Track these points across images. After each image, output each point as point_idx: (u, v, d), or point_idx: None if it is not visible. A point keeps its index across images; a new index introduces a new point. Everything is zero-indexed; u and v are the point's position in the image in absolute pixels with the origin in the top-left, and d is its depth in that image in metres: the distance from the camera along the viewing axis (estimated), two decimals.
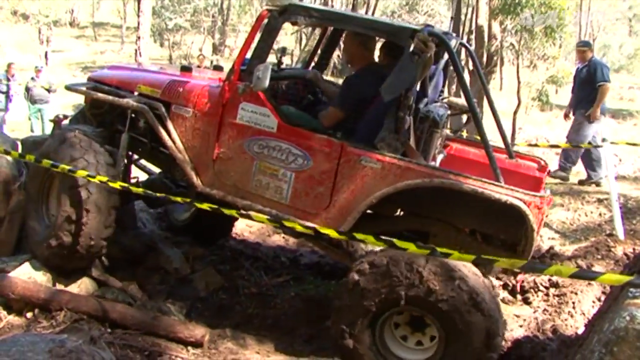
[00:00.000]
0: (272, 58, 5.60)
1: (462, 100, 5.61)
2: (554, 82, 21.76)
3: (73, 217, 4.97)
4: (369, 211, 4.62)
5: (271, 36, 4.79)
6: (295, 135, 4.66)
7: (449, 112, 5.36)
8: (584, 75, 9.45)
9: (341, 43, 5.87)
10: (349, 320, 4.24)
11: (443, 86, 5.67)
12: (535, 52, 17.54)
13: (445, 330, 4.11)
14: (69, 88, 5.66)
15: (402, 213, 5.04)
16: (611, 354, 3.23)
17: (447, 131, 5.77)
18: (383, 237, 3.93)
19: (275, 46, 5.89)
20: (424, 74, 4.53)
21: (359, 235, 4.02)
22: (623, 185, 9.20)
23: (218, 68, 6.44)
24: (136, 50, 15.38)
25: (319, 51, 6.13)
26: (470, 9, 18.83)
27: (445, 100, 5.64)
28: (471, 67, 14.00)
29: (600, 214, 8.20)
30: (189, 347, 4.75)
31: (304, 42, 26.65)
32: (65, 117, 5.98)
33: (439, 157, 5.28)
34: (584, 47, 9.96)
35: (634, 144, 9.72)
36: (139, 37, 16.13)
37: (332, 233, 4.23)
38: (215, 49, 32.17)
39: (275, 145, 4.69)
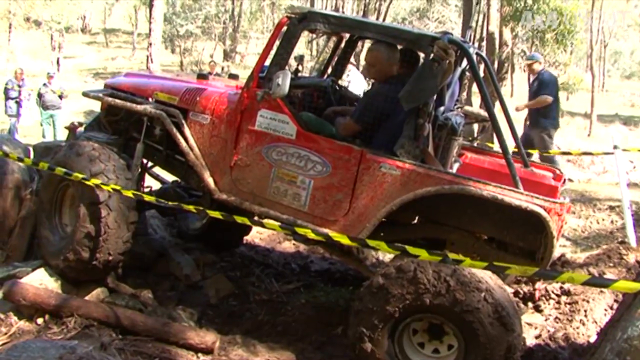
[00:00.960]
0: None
1: (477, 109, 5.59)
2: (565, 88, 21.73)
3: (92, 233, 4.97)
4: (385, 219, 4.59)
5: (290, 43, 4.79)
6: (314, 142, 4.66)
7: (465, 120, 5.35)
8: (535, 89, 9.51)
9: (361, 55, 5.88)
10: (369, 323, 4.21)
11: (459, 94, 5.65)
12: (547, 58, 17.52)
13: (466, 341, 4.08)
14: (86, 94, 5.67)
15: (419, 221, 5.01)
16: None
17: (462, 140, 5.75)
18: (395, 244, 3.92)
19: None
20: (445, 81, 4.54)
21: (371, 242, 4.01)
22: (635, 192, 9.15)
23: (233, 76, 6.44)
24: (147, 57, 15.40)
25: (334, 60, 6.11)
26: (481, 16, 18.83)
27: (461, 109, 5.62)
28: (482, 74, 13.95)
29: (612, 222, 8.16)
30: (200, 354, 4.74)
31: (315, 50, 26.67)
32: (80, 124, 6.01)
33: (456, 166, 5.25)
34: (531, 60, 9.94)
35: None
36: (150, 44, 16.16)
37: (344, 240, 4.22)
38: (226, 56, 32.28)
39: (294, 152, 4.68)
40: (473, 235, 4.69)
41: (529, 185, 4.74)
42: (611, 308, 5.33)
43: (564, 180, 5.43)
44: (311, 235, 4.35)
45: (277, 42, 4.87)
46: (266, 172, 4.78)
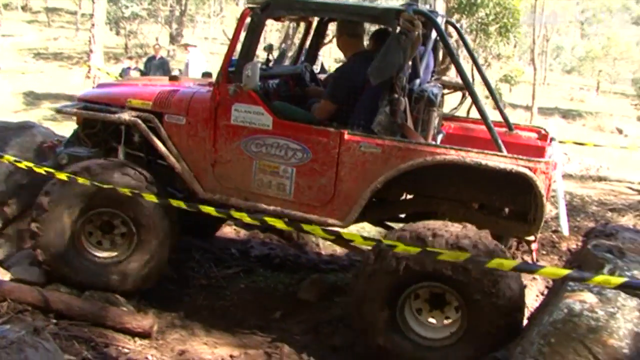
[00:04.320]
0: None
1: (455, 78, 5.62)
2: (507, 80, 22.17)
3: None
4: (374, 198, 4.61)
5: (255, 34, 4.76)
6: (291, 130, 4.64)
7: (443, 91, 5.35)
8: None
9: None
10: (372, 289, 4.23)
11: (435, 66, 5.64)
12: (490, 50, 17.84)
13: (468, 310, 4.14)
14: (60, 111, 5.61)
15: (408, 196, 5.01)
16: (549, 346, 3.35)
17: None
18: (329, 230, 3.90)
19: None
20: (413, 53, 4.53)
21: (306, 227, 4.06)
22: (569, 183, 9.39)
23: (207, 74, 6.48)
24: (90, 38, 15.06)
25: (306, 45, 6.09)
26: (427, 7, 19.00)
27: (438, 80, 5.62)
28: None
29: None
30: (137, 338, 4.70)
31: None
32: (59, 141, 5.89)
33: (439, 137, 5.25)
34: None
35: (581, 144, 9.94)
36: (93, 25, 15.82)
37: (280, 224, 4.30)
38: (172, 39, 31.70)
39: (273, 142, 4.67)
40: (463, 204, 4.69)
41: (516, 149, 4.77)
42: (542, 294, 5.48)
43: (551, 139, 5.45)
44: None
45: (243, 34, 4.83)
46: (247, 165, 4.76)
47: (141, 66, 14.83)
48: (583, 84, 38.68)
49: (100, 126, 5.37)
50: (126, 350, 4.47)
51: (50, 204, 4.83)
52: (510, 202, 4.60)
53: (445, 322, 4.34)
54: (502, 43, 17.12)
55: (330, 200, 4.61)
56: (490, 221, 4.58)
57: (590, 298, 3.47)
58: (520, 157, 4.24)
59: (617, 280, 3.41)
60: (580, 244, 4.90)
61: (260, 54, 5.90)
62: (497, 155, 4.26)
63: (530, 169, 4.15)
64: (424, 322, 4.37)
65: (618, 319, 3.34)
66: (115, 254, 5.06)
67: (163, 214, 4.88)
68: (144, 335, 4.73)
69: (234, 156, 4.80)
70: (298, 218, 4.76)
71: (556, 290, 3.86)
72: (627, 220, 7.55)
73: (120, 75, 14.38)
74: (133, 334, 4.70)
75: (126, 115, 5.04)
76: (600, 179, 10.39)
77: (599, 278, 3.44)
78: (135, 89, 5.39)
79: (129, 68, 14.72)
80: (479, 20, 16.11)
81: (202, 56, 10.12)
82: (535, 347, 3.41)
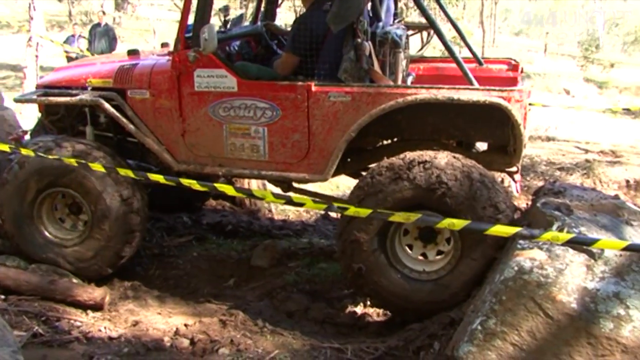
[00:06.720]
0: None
1: (418, 18, 5.54)
2: (457, 43, 22.25)
3: None
4: (351, 148, 4.56)
5: None
6: (257, 89, 4.56)
7: (408, 32, 5.28)
8: None
9: None
10: (361, 220, 4.19)
11: (396, 9, 5.54)
12: (439, 12, 17.83)
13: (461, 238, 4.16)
14: (18, 101, 5.47)
15: (385, 142, 4.97)
16: (500, 303, 3.41)
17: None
18: (281, 194, 3.83)
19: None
20: None
21: (256, 192, 4.02)
22: None
23: (165, 44, 6.36)
24: (30, 4, 14.48)
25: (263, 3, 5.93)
26: None
27: (401, 22, 5.55)
28: None
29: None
30: (89, 311, 4.66)
31: None
32: (25, 132, 5.70)
33: (409, 79, 5.19)
34: None
35: (530, 104, 10.02)
36: None
37: (230, 190, 4.38)
38: (118, 6, 30.88)
39: (240, 104, 4.58)
40: (441, 144, 4.63)
41: (488, 82, 4.73)
42: None
43: (522, 68, 5.44)
44: (196, 187, 4.34)
45: None
46: (218, 131, 4.68)
47: (86, 34, 14.42)
48: (531, 46, 39.11)
49: (64, 111, 5.25)
50: (78, 324, 4.40)
51: (10, 180, 4.86)
52: (488, 136, 4.60)
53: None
54: (450, 5, 17.14)
55: (306, 156, 4.56)
56: (470, 157, 4.48)
57: (539, 255, 3.54)
58: (493, 87, 4.22)
59: (565, 236, 3.49)
60: (530, 202, 4.96)
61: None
62: (469, 89, 4.23)
63: (504, 98, 4.12)
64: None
65: (566, 274, 3.42)
66: (69, 237, 5.02)
67: (119, 202, 4.80)
68: (96, 307, 4.69)
69: (203, 123, 4.71)
70: (276, 178, 4.73)
71: (507, 248, 3.91)
72: (575, 179, 7.70)
73: (66, 42, 13.96)
74: (85, 306, 4.66)
75: (87, 96, 4.92)
76: (548, 138, 10.53)
77: (548, 235, 3.52)
78: (94, 68, 5.26)
79: (73, 36, 14.28)
80: None
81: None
82: (487, 305, 3.46)
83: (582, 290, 3.36)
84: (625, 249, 3.45)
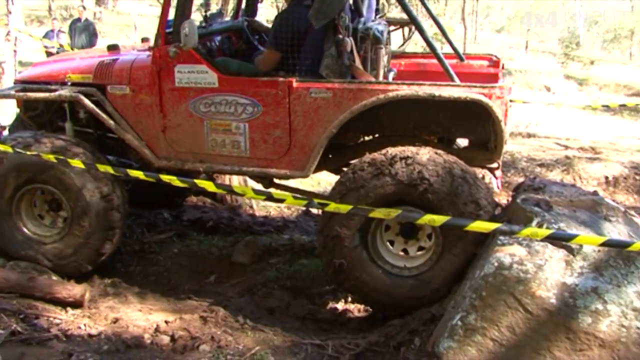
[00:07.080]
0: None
1: (399, 14, 5.54)
2: (438, 39, 22.31)
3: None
4: (332, 144, 4.55)
5: None
6: (238, 84, 4.54)
7: (389, 28, 5.27)
8: None
9: None
10: (343, 216, 4.19)
11: (377, 5, 5.54)
12: (419, 9, 17.86)
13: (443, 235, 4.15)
14: None
15: (366, 139, 4.96)
16: (480, 299, 3.42)
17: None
18: (262, 190, 3.84)
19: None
20: None
21: (237, 188, 4.00)
22: None
23: (145, 39, 6.31)
24: None
25: None
26: None
27: (383, 17, 5.54)
28: None
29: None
30: (68, 308, 4.61)
31: None
32: (3, 128, 5.60)
33: (390, 75, 5.19)
34: None
35: (511, 100, 10.05)
36: None
37: (210, 186, 4.39)
38: (99, 1, 30.60)
39: (221, 100, 4.56)
40: (422, 140, 4.64)
41: (469, 78, 4.73)
42: None
43: (503, 65, 5.46)
44: (176, 183, 4.33)
45: None
46: (198, 127, 4.65)
47: (66, 29, 14.28)
48: (512, 43, 39.35)
49: (43, 107, 5.20)
50: (57, 321, 4.36)
51: None
52: (469, 132, 4.61)
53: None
54: (432, 1, 17.18)
55: (287, 152, 4.55)
56: (451, 153, 4.48)
57: (519, 251, 3.56)
58: (474, 84, 4.23)
59: (544, 232, 3.52)
60: (510, 199, 4.98)
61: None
62: (451, 86, 4.24)
63: (485, 95, 4.13)
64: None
65: (545, 270, 3.45)
66: (48, 234, 4.98)
67: (99, 198, 4.77)
68: (76, 304, 4.64)
69: (184, 119, 4.69)
70: (257, 174, 4.72)
71: (487, 244, 3.93)
72: (555, 175, 7.77)
73: (45, 37, 13.82)
74: (64, 303, 4.61)
75: (66, 92, 4.87)
76: (529, 135, 10.60)
77: (527, 231, 3.54)
78: (74, 63, 5.20)
79: (52, 31, 14.14)
80: None
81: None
82: (467, 301, 3.48)
83: (561, 285, 3.39)
84: (604, 244, 3.48)
